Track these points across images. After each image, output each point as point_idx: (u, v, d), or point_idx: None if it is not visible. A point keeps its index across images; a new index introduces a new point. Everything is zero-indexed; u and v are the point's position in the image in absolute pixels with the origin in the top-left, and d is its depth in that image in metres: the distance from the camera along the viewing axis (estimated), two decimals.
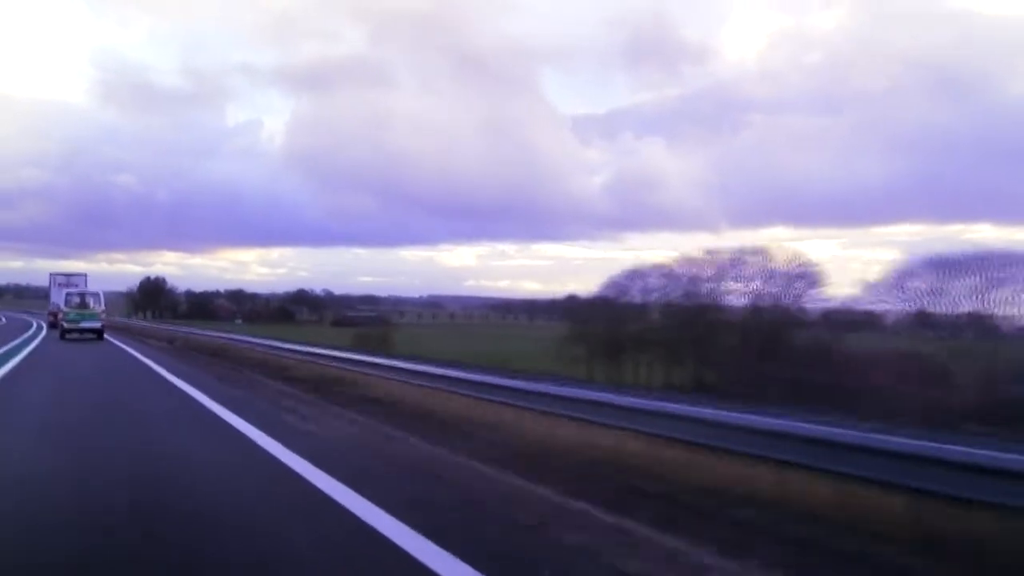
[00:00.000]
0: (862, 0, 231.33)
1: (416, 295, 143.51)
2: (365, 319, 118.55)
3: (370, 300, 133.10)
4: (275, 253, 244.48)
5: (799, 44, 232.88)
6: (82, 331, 34.23)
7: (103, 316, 35.85)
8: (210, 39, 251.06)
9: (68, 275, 49.11)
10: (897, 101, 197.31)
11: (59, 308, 38.24)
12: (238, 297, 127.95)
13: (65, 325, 34.67)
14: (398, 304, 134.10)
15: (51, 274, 50.82)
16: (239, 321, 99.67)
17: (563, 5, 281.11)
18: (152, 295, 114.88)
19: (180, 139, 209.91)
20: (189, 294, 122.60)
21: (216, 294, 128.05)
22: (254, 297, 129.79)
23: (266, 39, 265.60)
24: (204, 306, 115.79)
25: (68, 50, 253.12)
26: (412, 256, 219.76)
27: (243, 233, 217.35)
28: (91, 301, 35.84)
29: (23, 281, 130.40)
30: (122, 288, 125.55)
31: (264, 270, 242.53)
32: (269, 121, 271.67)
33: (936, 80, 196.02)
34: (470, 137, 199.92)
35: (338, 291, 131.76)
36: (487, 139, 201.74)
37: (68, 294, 36.65)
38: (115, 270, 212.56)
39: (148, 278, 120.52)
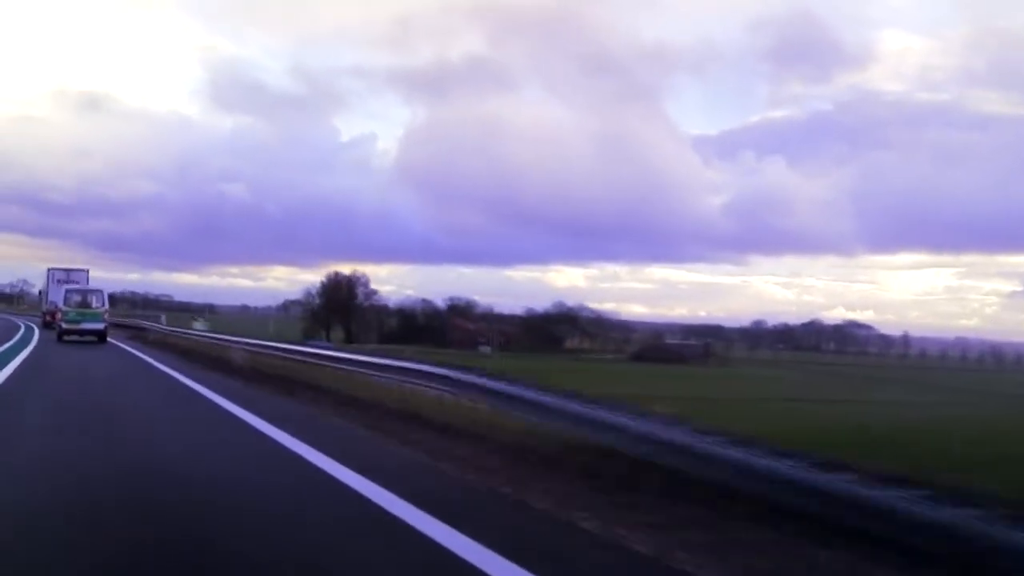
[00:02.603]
0: None
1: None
2: (690, 352, 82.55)
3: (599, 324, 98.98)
4: (384, 270, 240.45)
5: (968, 49, 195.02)
6: (82, 333, 31.15)
7: (106, 317, 32.76)
8: (325, 47, 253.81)
9: (68, 270, 45.02)
10: None
11: (57, 307, 34.84)
12: (465, 312, 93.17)
13: (64, 326, 31.70)
14: None
15: (49, 269, 46.28)
16: (487, 349, 72.93)
17: (705, 3, 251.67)
18: (342, 305, 78.80)
19: (293, 151, 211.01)
20: (399, 309, 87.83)
21: (439, 310, 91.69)
22: (509, 315, 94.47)
23: (382, 44, 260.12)
24: (425, 325, 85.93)
25: (180, 58, 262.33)
26: (519, 275, 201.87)
27: (354, 249, 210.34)
28: (93, 300, 32.45)
29: (139, 290, 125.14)
30: (247, 302, 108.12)
31: (371, 286, 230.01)
32: (383, 132, 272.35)
33: None
34: (589, 150, 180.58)
35: None
36: (607, 153, 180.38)
37: (68, 291, 33.08)
38: (226, 284, 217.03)
39: (336, 275, 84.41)
